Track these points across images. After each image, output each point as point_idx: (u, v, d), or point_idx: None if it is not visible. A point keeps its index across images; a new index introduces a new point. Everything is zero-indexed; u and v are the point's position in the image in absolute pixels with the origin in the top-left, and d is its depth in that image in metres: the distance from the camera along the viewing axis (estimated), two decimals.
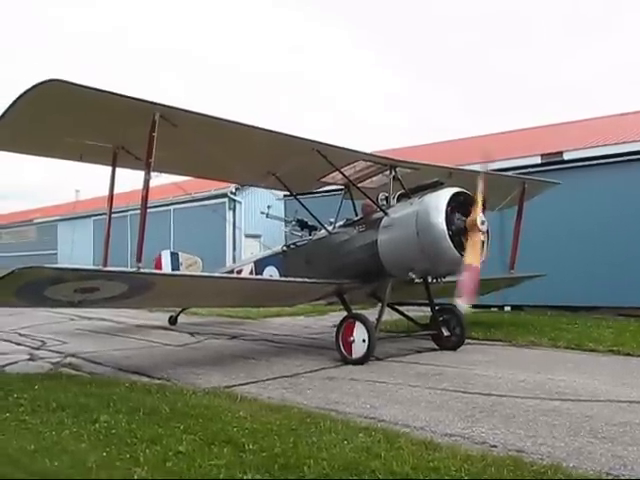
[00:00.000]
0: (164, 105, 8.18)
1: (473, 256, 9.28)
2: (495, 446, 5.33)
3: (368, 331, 9.57)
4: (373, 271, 10.53)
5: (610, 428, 5.85)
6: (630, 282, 15.89)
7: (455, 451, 4.97)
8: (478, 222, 9.36)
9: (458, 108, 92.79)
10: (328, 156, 10.38)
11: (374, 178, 12.03)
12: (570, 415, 6.37)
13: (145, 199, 8.46)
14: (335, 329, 10.23)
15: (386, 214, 10.46)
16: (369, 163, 11.37)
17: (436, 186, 10.42)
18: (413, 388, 7.85)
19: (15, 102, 7.41)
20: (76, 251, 38.08)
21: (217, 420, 5.94)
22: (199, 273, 12.99)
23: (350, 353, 9.74)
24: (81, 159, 9.69)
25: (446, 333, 11.16)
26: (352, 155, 10.95)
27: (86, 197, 47.17)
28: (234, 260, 28.92)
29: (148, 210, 8.66)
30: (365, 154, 11.20)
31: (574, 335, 12.27)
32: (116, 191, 9.28)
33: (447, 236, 9.43)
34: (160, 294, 9.33)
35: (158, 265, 15.35)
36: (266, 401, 6.99)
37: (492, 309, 17.91)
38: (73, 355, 10.72)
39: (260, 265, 13.06)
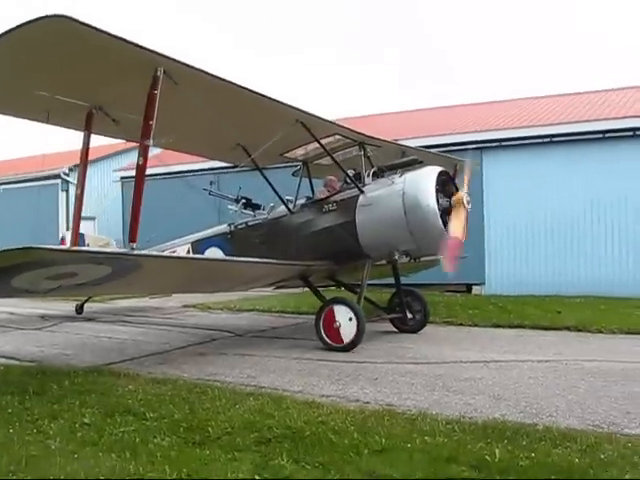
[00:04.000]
0: (170, 58, 7.16)
1: (458, 228, 9.25)
2: (368, 402, 6.14)
3: (356, 314, 9.05)
4: (348, 252, 9.93)
5: (459, 383, 6.87)
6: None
7: (336, 408, 5.72)
8: (464, 200, 9.27)
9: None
10: (312, 129, 9.75)
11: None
12: (424, 375, 7.35)
13: (143, 170, 7.37)
14: (182, 309, 10.05)
15: (362, 192, 9.87)
16: (338, 137, 10.50)
17: (414, 164, 10.08)
18: (280, 359, 8.56)
19: None
20: None
21: (110, 394, 6.34)
22: (196, 255, 11.14)
23: (336, 340, 9.14)
24: (47, 119, 8.20)
25: (409, 316, 10.96)
26: (331, 128, 10.18)
27: None
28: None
29: None
30: (342, 127, 10.33)
31: None
32: None
33: (439, 216, 9.16)
34: (139, 279, 8.28)
35: None
36: (149, 376, 7.39)
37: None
38: None
39: (199, 246, 11.96)
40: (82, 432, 5.16)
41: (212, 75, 7.71)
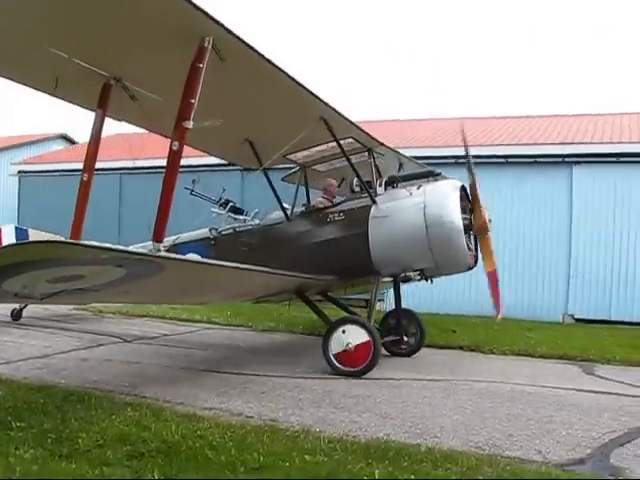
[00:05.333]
0: (224, 27, 6.01)
1: (492, 261, 8.74)
2: (252, 417, 5.96)
3: (371, 335, 8.22)
4: (357, 267, 9.07)
5: (347, 400, 6.77)
6: None
7: (217, 421, 5.52)
8: (488, 222, 8.70)
9: None
10: (334, 127, 8.79)
11: (330, 162, 10.34)
12: (312, 390, 7.23)
13: (178, 157, 6.33)
14: (73, 312, 9.53)
15: (374, 202, 9.06)
16: (350, 141, 9.46)
17: (429, 176, 9.43)
18: (167, 368, 8.32)
19: None
20: None
21: None
22: (229, 264, 7.42)
23: (347, 363, 8.25)
24: (55, 87, 6.75)
25: (404, 339, 10.16)
26: (350, 130, 9.16)
27: None
28: None
29: None
30: (361, 130, 9.31)
31: (308, 322, 13.35)
32: None
33: (463, 234, 8.53)
34: (147, 286, 6.87)
35: None
36: (23, 381, 6.99)
37: None
38: None
39: (175, 251, 9.94)
40: None
41: (263, 56, 6.71)
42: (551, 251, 17.01)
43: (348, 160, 9.33)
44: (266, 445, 4.86)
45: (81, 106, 7.65)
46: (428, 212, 8.55)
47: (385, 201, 9.03)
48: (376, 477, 4.23)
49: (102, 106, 6.96)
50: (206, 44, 6.02)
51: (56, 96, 7.27)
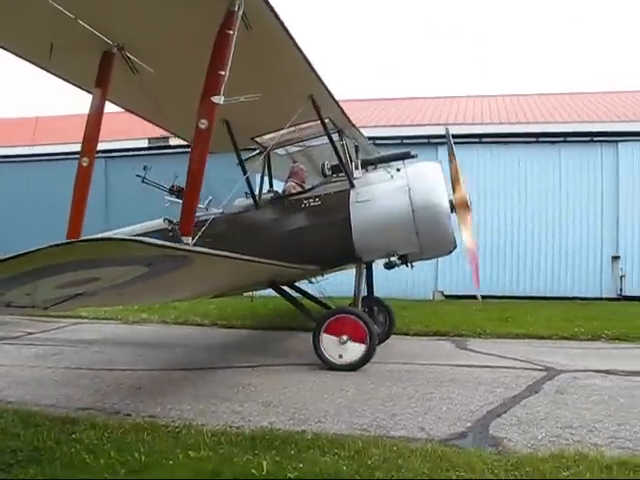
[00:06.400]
0: None
1: (471, 240, 8.47)
2: (130, 414, 5.69)
3: (367, 326, 7.81)
4: (339, 255, 8.62)
5: (226, 390, 6.63)
6: None
7: (93, 422, 5.23)
8: (468, 200, 8.46)
9: None
10: (322, 108, 8.19)
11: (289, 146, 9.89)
12: (190, 381, 7.05)
13: (207, 137, 5.63)
14: None
15: (353, 186, 8.54)
16: (327, 121, 8.76)
17: (406, 158, 8.87)
18: (34, 369, 7.83)
19: None
20: None
21: None
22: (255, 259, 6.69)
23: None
24: (49, 57, 5.75)
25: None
26: (334, 110, 8.66)
27: None
28: None
29: None
30: (342, 110, 8.89)
31: (181, 312, 13.05)
32: None
33: (450, 216, 8.27)
34: (165, 282, 5.92)
35: None
36: None
37: None
38: None
39: None
40: None
41: (285, 27, 6.14)
42: None
43: (332, 143, 8.75)
44: (147, 444, 4.66)
45: (76, 85, 6.82)
46: (414, 195, 8.23)
47: (364, 184, 8.59)
48: (264, 468, 4.12)
49: (102, 82, 6.14)
50: (236, 8, 5.41)
51: (48, 70, 6.33)
